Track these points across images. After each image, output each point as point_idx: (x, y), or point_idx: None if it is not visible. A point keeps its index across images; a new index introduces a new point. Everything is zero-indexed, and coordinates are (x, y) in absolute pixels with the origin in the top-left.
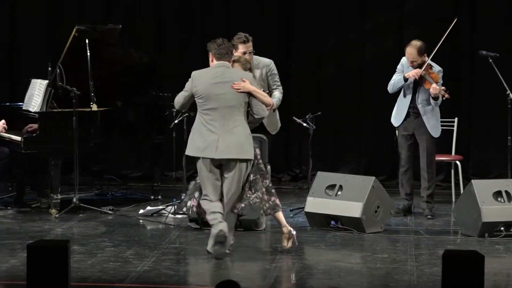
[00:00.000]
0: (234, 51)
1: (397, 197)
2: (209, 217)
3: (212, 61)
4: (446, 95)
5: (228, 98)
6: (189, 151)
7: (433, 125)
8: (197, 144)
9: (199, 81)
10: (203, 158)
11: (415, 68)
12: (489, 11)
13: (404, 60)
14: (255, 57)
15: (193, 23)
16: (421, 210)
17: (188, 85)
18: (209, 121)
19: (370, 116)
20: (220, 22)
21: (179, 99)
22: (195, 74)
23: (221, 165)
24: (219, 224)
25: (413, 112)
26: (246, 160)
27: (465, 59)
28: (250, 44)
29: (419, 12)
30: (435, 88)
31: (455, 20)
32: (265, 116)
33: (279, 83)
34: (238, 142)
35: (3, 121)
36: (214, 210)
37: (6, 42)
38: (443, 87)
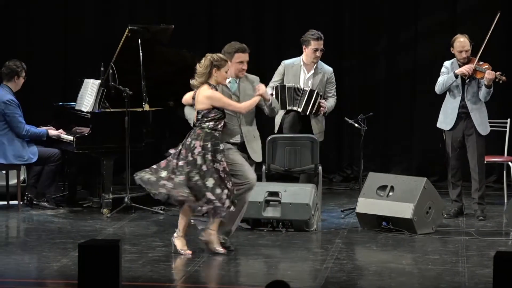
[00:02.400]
0: (304, 46)
1: (447, 199)
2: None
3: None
4: (503, 78)
5: None
6: None
7: (481, 122)
8: None
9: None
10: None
11: (464, 63)
12: None
13: (447, 63)
14: (320, 62)
15: (244, 23)
16: (472, 212)
17: None
18: None
19: (422, 116)
20: (271, 22)
21: None
22: None
23: None
24: None
25: (462, 112)
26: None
27: None
28: (322, 42)
29: (471, 12)
30: (490, 73)
31: (498, 14)
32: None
33: (334, 92)
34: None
35: (60, 130)
36: None
37: (60, 42)
38: (498, 72)
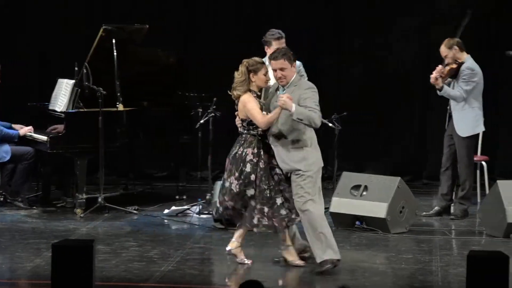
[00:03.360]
0: (266, 47)
1: (421, 198)
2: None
3: (294, 70)
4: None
5: None
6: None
7: (461, 123)
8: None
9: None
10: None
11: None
12: None
13: None
14: None
15: (220, 23)
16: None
17: (317, 96)
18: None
19: (396, 116)
20: (249, 22)
21: (318, 112)
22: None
23: None
24: None
25: (450, 112)
26: None
27: (492, 59)
28: (284, 41)
29: (446, 15)
30: (432, 77)
31: (469, 14)
32: None
33: None
34: None
35: (30, 127)
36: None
37: (34, 42)
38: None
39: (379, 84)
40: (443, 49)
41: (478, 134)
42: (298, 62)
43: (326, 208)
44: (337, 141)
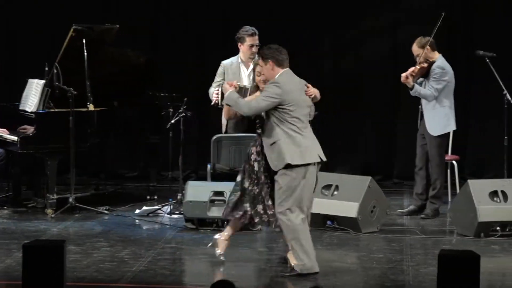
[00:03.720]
0: (239, 44)
1: (392, 198)
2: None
3: (272, 69)
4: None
5: (307, 104)
6: (298, 160)
7: (432, 122)
8: (301, 151)
9: (288, 88)
10: (314, 164)
11: (419, 60)
12: (485, 10)
13: None
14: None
15: (189, 22)
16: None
17: (275, 91)
18: (302, 128)
19: (367, 116)
20: (217, 22)
21: (261, 104)
22: (280, 80)
23: None
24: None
25: (421, 110)
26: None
27: (462, 59)
28: (257, 37)
29: (414, 13)
30: (403, 76)
31: (442, 15)
32: None
33: None
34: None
35: (5, 130)
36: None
37: (3, 42)
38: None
39: (349, 83)
40: (415, 49)
41: (449, 133)
42: None
43: None
44: None
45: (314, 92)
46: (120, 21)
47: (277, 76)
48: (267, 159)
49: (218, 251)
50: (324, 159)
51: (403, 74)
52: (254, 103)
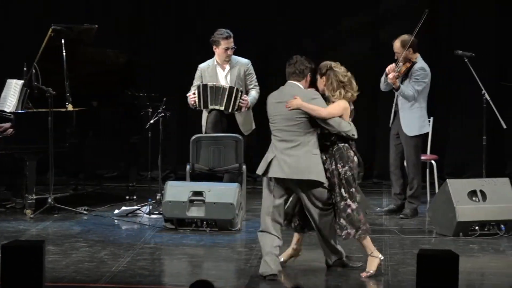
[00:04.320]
0: (214, 47)
1: (371, 198)
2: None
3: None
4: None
5: (285, 118)
6: (259, 170)
7: (408, 123)
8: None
9: (268, 101)
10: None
11: (400, 60)
12: (465, 11)
13: None
14: (234, 56)
15: (170, 22)
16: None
17: None
18: (278, 140)
19: None
20: (197, 22)
21: None
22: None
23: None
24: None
25: (396, 110)
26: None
27: (441, 58)
28: (232, 40)
29: (394, 12)
30: (391, 74)
31: (426, 13)
32: (330, 128)
33: (256, 83)
34: (294, 162)
35: None
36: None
37: None
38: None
39: None
40: (398, 46)
41: (424, 134)
42: (246, 60)
43: None
44: None
45: (292, 104)
46: (99, 21)
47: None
48: None
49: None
50: (285, 176)
51: (391, 76)
52: None
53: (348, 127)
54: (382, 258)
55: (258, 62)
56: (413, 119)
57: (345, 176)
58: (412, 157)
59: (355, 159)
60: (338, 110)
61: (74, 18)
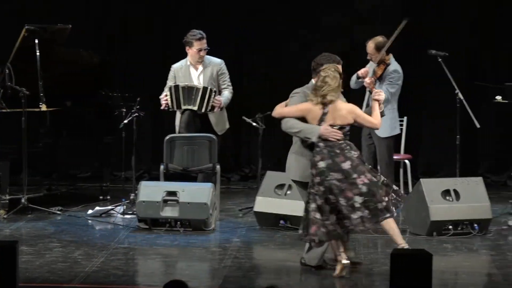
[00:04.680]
0: (187, 48)
1: None
2: None
3: None
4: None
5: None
6: None
7: (382, 124)
8: None
9: None
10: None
11: (375, 62)
12: (438, 11)
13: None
14: (206, 56)
15: (142, 22)
16: None
17: None
18: None
19: None
20: (171, 20)
21: None
22: None
23: None
24: None
25: (368, 111)
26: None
27: (414, 58)
28: (205, 41)
29: (369, 14)
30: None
31: (405, 22)
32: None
33: (229, 83)
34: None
35: None
36: None
37: None
38: (371, 78)
39: (304, 83)
40: (372, 50)
41: (397, 134)
42: (219, 60)
43: (250, 208)
44: (261, 140)
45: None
46: (73, 21)
47: None
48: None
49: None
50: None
51: (369, 80)
52: None
53: (296, 129)
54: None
55: (232, 62)
56: (385, 120)
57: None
58: (384, 157)
59: (319, 164)
60: (288, 112)
61: (48, 18)
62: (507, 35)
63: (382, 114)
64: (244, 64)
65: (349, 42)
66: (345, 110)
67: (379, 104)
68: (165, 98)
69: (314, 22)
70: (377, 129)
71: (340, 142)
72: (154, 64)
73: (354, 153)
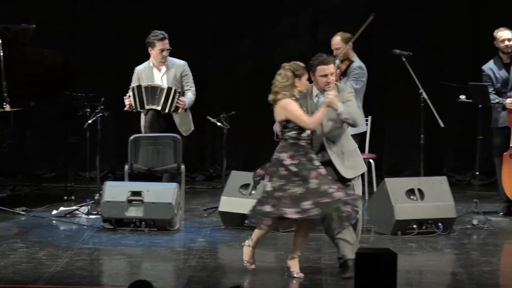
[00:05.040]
0: (150, 48)
1: None
2: None
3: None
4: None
5: None
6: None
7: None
8: None
9: None
10: None
11: (340, 57)
12: (402, 10)
13: None
14: (170, 58)
15: (107, 22)
16: None
17: None
18: None
19: None
20: (135, 20)
21: None
22: None
23: None
24: None
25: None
26: None
27: (378, 57)
28: (167, 41)
29: (334, 12)
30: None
31: (372, 17)
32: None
33: (192, 84)
34: None
35: None
36: None
37: None
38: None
39: (267, 83)
40: (338, 41)
41: (361, 132)
42: (182, 62)
43: (215, 208)
44: (225, 140)
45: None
46: (37, 21)
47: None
48: (337, 166)
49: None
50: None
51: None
52: (361, 115)
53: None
54: None
55: (196, 62)
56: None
57: None
58: None
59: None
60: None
61: (11, 18)
62: (471, 34)
63: (346, 118)
64: (207, 65)
65: (312, 41)
66: (279, 106)
67: (335, 109)
68: (128, 98)
69: (277, 22)
70: (309, 129)
71: (278, 138)
72: (118, 64)
73: (276, 154)
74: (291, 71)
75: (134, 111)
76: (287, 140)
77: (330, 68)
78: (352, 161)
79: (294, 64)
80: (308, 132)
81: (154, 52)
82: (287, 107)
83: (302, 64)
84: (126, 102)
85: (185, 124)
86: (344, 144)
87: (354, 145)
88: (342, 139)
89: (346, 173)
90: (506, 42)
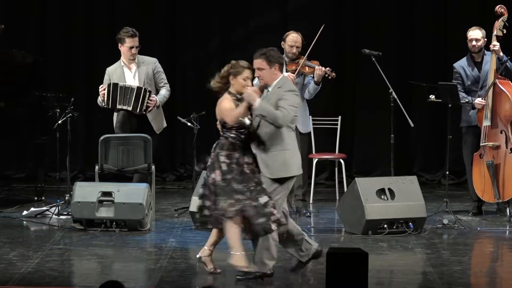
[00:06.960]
0: (120, 45)
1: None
2: None
3: (275, 73)
4: (333, 74)
5: None
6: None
7: (302, 120)
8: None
9: None
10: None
11: (293, 58)
12: (372, 10)
13: None
14: (140, 56)
15: (77, 21)
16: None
17: (297, 100)
18: None
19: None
20: (104, 20)
21: (292, 114)
22: (294, 88)
23: None
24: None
25: None
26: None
27: (348, 57)
28: (137, 39)
29: (302, 11)
30: (320, 68)
31: (322, 26)
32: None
33: (166, 81)
34: None
35: None
36: None
37: None
38: (328, 68)
39: None
40: (299, 39)
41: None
42: (153, 59)
43: (186, 208)
44: (196, 140)
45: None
46: (7, 21)
47: (276, 81)
48: (260, 165)
49: (211, 269)
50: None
51: (323, 68)
52: (288, 114)
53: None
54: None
55: (165, 62)
56: (306, 116)
57: None
58: (304, 154)
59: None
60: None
61: None
62: (440, 34)
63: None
64: (177, 64)
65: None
66: (217, 105)
67: (252, 104)
68: (102, 91)
69: (246, 21)
70: (231, 124)
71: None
72: (89, 64)
73: (214, 151)
74: (228, 67)
75: (105, 107)
76: (227, 139)
77: (256, 63)
78: (274, 163)
79: (236, 62)
80: (244, 131)
81: (123, 49)
82: (219, 104)
83: (244, 64)
84: (101, 92)
85: (157, 121)
86: (274, 144)
87: (290, 147)
88: (274, 139)
89: (266, 172)
90: (474, 42)
